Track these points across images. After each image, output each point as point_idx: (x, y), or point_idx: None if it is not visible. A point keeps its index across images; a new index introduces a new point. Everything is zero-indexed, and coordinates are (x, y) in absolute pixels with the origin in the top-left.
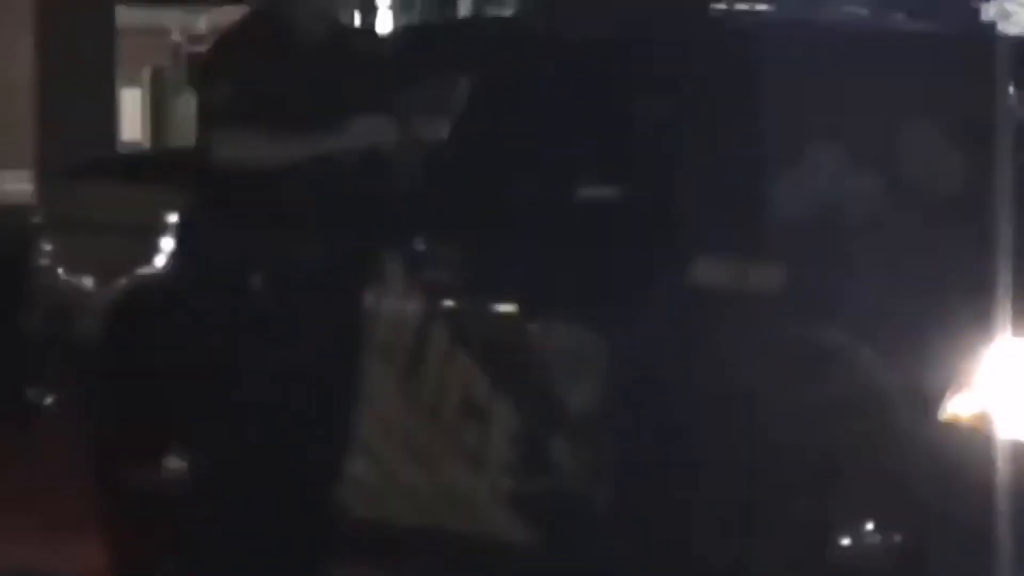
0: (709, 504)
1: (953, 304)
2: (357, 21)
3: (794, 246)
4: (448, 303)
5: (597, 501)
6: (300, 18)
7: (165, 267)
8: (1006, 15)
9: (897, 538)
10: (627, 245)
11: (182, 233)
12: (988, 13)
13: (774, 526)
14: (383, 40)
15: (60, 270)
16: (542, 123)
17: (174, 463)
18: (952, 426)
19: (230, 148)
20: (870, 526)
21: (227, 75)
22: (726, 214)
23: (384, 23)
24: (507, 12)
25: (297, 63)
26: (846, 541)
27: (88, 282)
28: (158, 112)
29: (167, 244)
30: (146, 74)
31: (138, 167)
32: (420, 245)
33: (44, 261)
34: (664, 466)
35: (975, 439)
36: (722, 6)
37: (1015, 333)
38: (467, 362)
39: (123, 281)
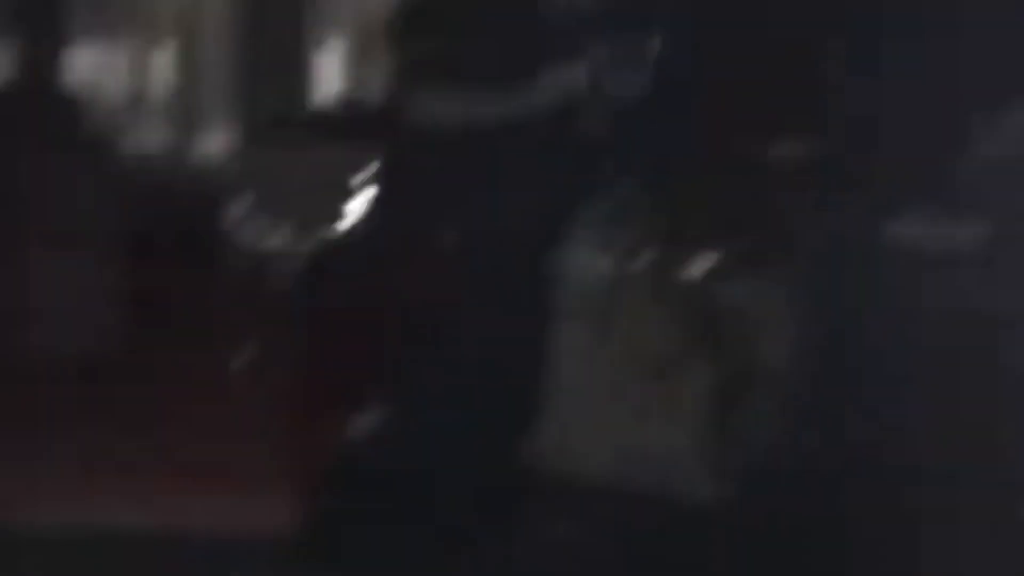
0: (901, 463)
1: None
2: None
3: (991, 203)
4: (643, 257)
5: (792, 458)
6: None
7: (360, 223)
8: None
9: None
10: (827, 198)
11: (380, 185)
12: None
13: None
14: None
15: (260, 220)
16: (734, 74)
17: (368, 420)
18: None
19: (425, 104)
20: None
21: (420, 27)
22: (920, 168)
23: None
24: None
25: (487, 13)
26: None
27: (282, 237)
28: (355, 70)
29: (361, 198)
30: (344, 32)
31: (330, 123)
32: (614, 199)
33: (244, 211)
34: (858, 424)
35: None
36: None
37: None
38: (662, 314)
39: (319, 236)
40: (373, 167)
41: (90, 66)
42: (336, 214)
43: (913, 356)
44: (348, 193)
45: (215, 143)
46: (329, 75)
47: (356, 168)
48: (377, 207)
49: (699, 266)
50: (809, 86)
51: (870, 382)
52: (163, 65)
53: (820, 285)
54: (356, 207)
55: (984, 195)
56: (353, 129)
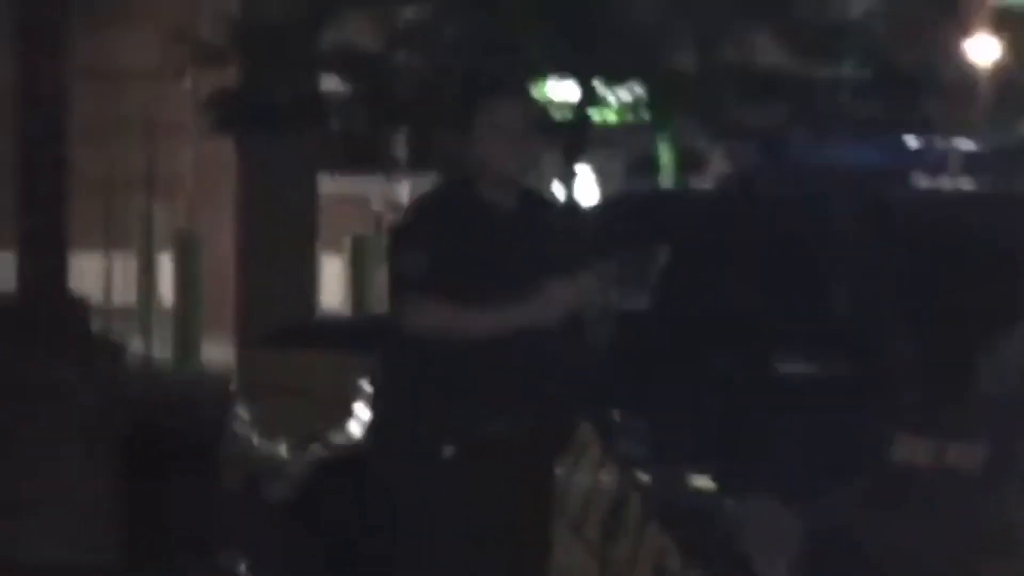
0: None
1: None
2: (557, 190)
3: (996, 422)
4: (642, 474)
5: None
6: (491, 188)
7: (360, 433)
8: None
9: None
10: (825, 420)
11: (374, 401)
12: None
13: None
14: (580, 209)
15: (256, 435)
16: (742, 294)
17: None
18: None
19: (421, 318)
20: None
21: (418, 244)
22: (928, 389)
23: (586, 192)
24: (708, 185)
25: (488, 233)
26: None
27: (283, 448)
28: (359, 280)
29: (361, 411)
30: (347, 242)
31: (331, 334)
32: (615, 416)
33: (241, 426)
34: None
35: None
36: (926, 183)
37: None
38: (660, 533)
39: (317, 446)
40: (371, 378)
41: (96, 274)
42: (334, 424)
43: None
44: (346, 403)
45: (218, 351)
46: (331, 286)
47: (354, 378)
48: (377, 419)
49: (700, 484)
50: (815, 306)
51: None
52: (166, 274)
53: (828, 503)
54: (355, 418)
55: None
56: (354, 339)
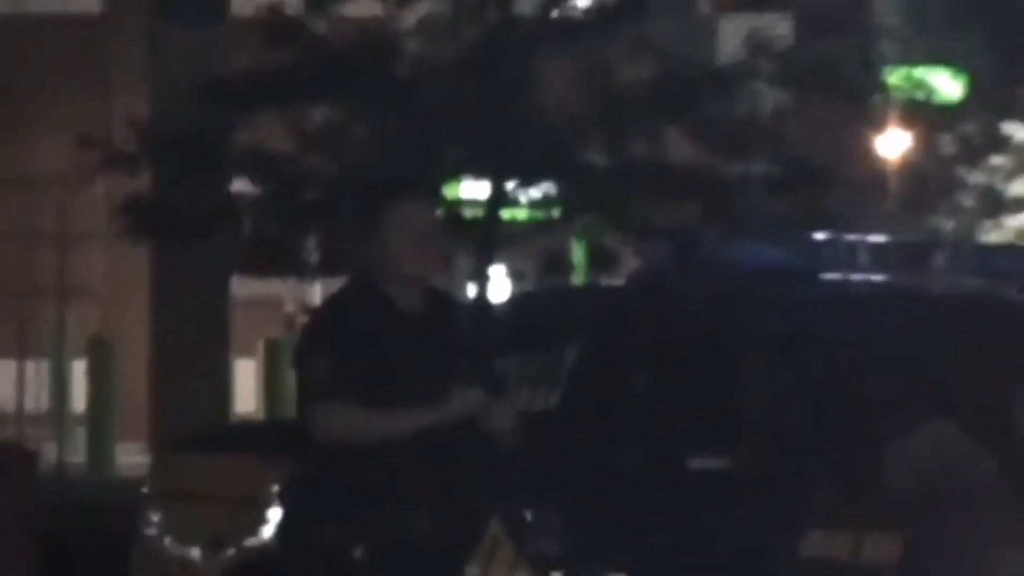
0: None
1: None
2: (471, 291)
3: (907, 517)
4: (555, 573)
5: None
6: (399, 288)
7: (272, 537)
8: None
9: None
10: (738, 515)
11: (286, 504)
12: None
13: None
14: (490, 308)
15: (169, 539)
16: (652, 391)
17: None
18: None
19: (329, 421)
20: None
21: (320, 347)
22: (839, 484)
23: (499, 291)
24: (619, 281)
25: (395, 333)
26: None
27: (195, 552)
28: (271, 383)
29: (273, 515)
30: (260, 345)
31: (242, 439)
32: (526, 515)
33: (153, 531)
34: None
35: None
36: (834, 276)
37: None
38: None
39: (231, 551)
40: (282, 482)
41: (9, 380)
42: (247, 529)
43: None
44: (258, 508)
45: (132, 456)
46: (244, 389)
47: (266, 482)
48: (286, 522)
49: None
50: (727, 402)
51: None
52: (80, 380)
53: None
54: (267, 522)
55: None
56: (267, 443)
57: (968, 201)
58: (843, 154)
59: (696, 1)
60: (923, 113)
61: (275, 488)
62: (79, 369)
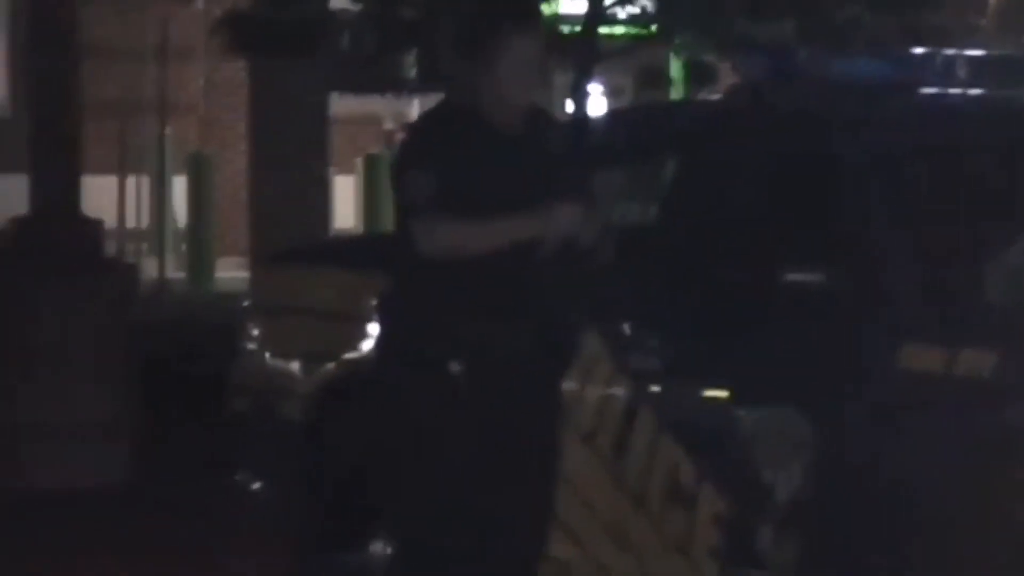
0: None
1: None
2: (569, 107)
3: (1004, 333)
4: (654, 388)
5: None
6: (494, 106)
7: (371, 351)
8: None
9: None
10: (834, 331)
11: (385, 318)
12: None
13: None
14: (588, 124)
15: (268, 354)
16: (749, 206)
17: (378, 547)
18: None
19: (429, 234)
20: None
21: (420, 163)
22: (935, 299)
23: (596, 108)
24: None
25: (490, 151)
26: None
27: (295, 366)
28: (371, 199)
29: (372, 329)
30: (359, 162)
31: (341, 253)
32: (625, 330)
33: (253, 345)
34: (870, 555)
35: None
36: (932, 90)
37: None
38: (673, 447)
39: (329, 365)
40: (381, 296)
41: (110, 197)
42: (346, 343)
43: (931, 485)
44: (357, 322)
45: (231, 271)
46: (344, 205)
47: (365, 296)
48: (384, 336)
49: (712, 395)
50: (822, 217)
51: (887, 513)
52: (180, 196)
53: (839, 415)
54: (366, 336)
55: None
56: (366, 257)
57: None
58: None
59: None
60: None
61: (373, 302)
62: (179, 185)
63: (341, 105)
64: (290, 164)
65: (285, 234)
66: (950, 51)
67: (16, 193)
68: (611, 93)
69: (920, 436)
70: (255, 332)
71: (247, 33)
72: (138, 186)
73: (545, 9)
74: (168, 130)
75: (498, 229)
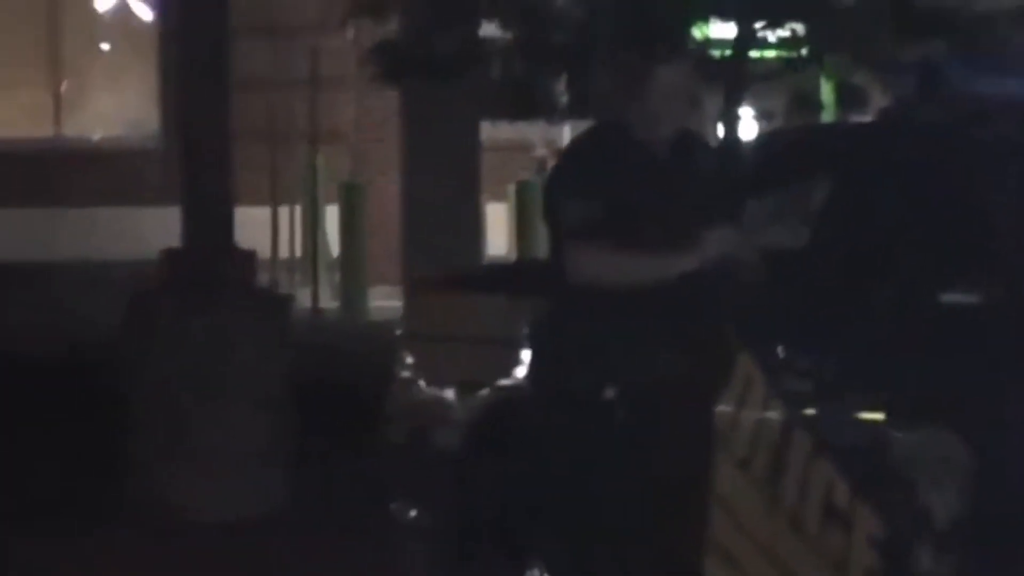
0: None
1: None
2: (719, 131)
3: None
4: (808, 410)
5: None
6: (645, 131)
7: (524, 379)
8: None
9: None
10: (990, 349)
11: (539, 345)
12: None
13: None
14: (738, 147)
15: (422, 382)
16: (902, 226)
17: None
18: None
19: (584, 261)
20: None
21: (572, 189)
22: None
23: (748, 131)
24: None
25: (643, 176)
26: None
27: (449, 394)
28: (523, 226)
29: (525, 355)
30: (511, 188)
31: (494, 279)
32: (779, 352)
33: (407, 373)
34: None
35: None
36: None
37: None
38: (828, 468)
39: (484, 392)
40: (535, 322)
41: (262, 227)
42: (501, 370)
43: None
44: (512, 348)
45: (384, 299)
46: (496, 232)
47: (519, 323)
48: (539, 362)
49: (867, 416)
50: (978, 235)
51: None
52: (332, 225)
53: (1000, 437)
54: (520, 363)
55: None
56: (519, 284)
57: None
58: None
59: None
60: None
61: (526, 329)
62: (331, 215)
63: (492, 132)
64: (442, 192)
65: (438, 262)
66: None
67: (169, 225)
68: (761, 116)
69: None
70: (409, 360)
71: (397, 62)
72: (291, 216)
73: (696, 33)
74: (319, 159)
75: (652, 264)
